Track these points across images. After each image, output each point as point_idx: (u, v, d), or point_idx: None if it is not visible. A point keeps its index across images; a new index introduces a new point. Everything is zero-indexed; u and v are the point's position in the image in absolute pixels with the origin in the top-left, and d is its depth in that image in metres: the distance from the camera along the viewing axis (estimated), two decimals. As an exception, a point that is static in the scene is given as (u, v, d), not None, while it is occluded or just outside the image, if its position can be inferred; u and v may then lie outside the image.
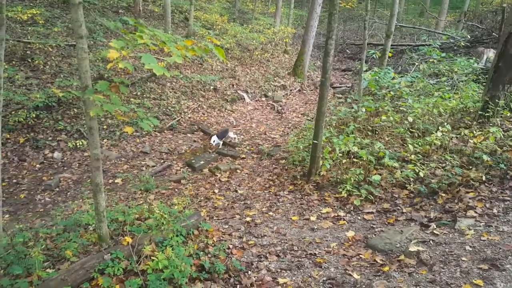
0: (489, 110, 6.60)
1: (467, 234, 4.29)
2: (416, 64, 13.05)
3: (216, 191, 7.35)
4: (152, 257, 3.83)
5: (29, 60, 11.04)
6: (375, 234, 4.73)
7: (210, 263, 4.07)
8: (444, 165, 5.85)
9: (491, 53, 12.61)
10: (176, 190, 7.55)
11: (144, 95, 11.65)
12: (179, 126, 11.20)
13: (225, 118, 12.29)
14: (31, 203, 7.35)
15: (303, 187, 6.64)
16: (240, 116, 12.72)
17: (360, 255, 4.31)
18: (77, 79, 10.36)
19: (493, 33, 15.57)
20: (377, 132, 7.53)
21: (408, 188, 5.68)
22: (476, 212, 4.74)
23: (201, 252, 4.35)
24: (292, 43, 20.66)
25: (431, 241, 4.29)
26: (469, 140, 6.17)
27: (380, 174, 6.00)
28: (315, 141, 6.50)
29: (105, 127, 10.07)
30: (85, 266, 3.64)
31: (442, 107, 7.44)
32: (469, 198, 5.05)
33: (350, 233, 4.85)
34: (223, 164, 8.72)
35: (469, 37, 16.85)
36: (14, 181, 8.03)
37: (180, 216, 4.96)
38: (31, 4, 13.96)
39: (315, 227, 5.21)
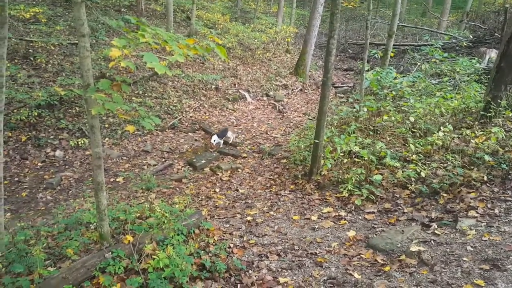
0: (491, 110, 6.59)
1: (469, 234, 4.28)
2: (418, 64, 13.02)
3: (217, 190, 7.36)
4: (153, 256, 3.83)
5: (31, 59, 11.06)
6: (376, 234, 4.73)
7: (211, 262, 4.08)
8: (445, 165, 5.84)
9: (493, 54, 12.58)
10: (177, 189, 7.56)
11: (146, 94, 11.66)
12: (181, 125, 11.21)
13: (227, 117, 12.29)
14: (32, 201, 7.36)
15: (304, 186, 6.64)
16: (242, 115, 12.72)
17: (361, 255, 4.30)
18: (79, 78, 10.37)
19: (496, 33, 15.53)
20: (378, 132, 7.52)
21: (409, 188, 5.67)
22: (477, 213, 4.73)
23: (202, 251, 4.35)
24: (294, 43, 20.65)
25: (432, 241, 4.28)
26: (471, 140, 6.16)
27: (382, 174, 6.00)
28: (317, 141, 6.50)
29: (106, 125, 10.08)
30: (86, 264, 3.64)
31: (444, 107, 7.43)
32: (471, 198, 5.04)
33: (351, 233, 4.84)
34: (224, 163, 8.72)
35: (471, 37, 16.81)
36: (16, 179, 8.05)
37: (181, 215, 4.96)
38: (34, 2, 13.98)
39: (316, 227, 5.21)
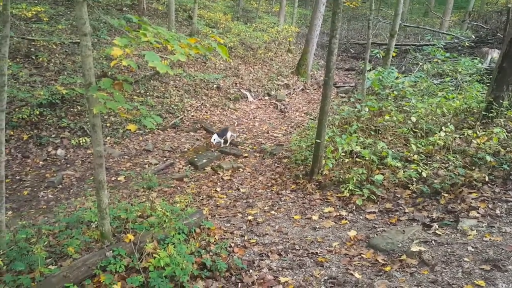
0: (493, 110, 6.58)
1: (470, 235, 4.28)
2: (420, 64, 12.99)
3: (218, 189, 7.36)
4: (154, 255, 3.84)
5: (33, 57, 11.07)
6: (377, 234, 4.73)
7: (211, 261, 4.08)
8: (447, 165, 5.84)
9: (495, 54, 12.55)
10: (179, 188, 7.56)
11: (148, 93, 11.67)
12: (182, 124, 11.22)
13: (228, 117, 12.29)
14: (34, 199, 7.38)
15: (306, 186, 6.64)
16: (243, 115, 12.72)
17: (362, 255, 4.30)
18: (80, 77, 10.39)
19: (498, 34, 15.50)
20: (380, 132, 7.51)
21: (410, 188, 5.67)
22: (478, 213, 4.73)
23: (203, 250, 4.36)
24: (296, 42, 20.64)
25: (433, 241, 4.28)
26: (473, 140, 6.15)
27: (383, 174, 5.99)
28: (318, 140, 6.50)
29: (108, 124, 10.09)
30: (87, 263, 3.65)
31: (446, 107, 7.42)
32: (472, 199, 5.04)
33: (352, 233, 4.84)
34: (226, 162, 8.72)
35: (473, 37, 16.78)
36: (18, 177, 8.07)
37: (182, 214, 4.97)
38: (36, 1, 13.99)
39: (317, 226, 5.21)
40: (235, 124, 11.65)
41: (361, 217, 5.34)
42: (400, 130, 7.14)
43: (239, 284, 3.90)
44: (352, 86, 15.05)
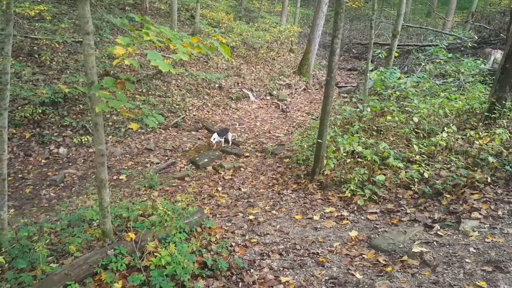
0: (495, 111, 6.56)
1: (471, 236, 4.27)
2: (423, 64, 12.98)
3: (220, 189, 7.36)
4: (155, 253, 3.84)
5: (36, 56, 11.10)
6: (378, 234, 4.72)
7: (212, 261, 4.08)
8: (449, 166, 5.83)
9: (498, 54, 12.53)
10: (180, 187, 7.57)
11: (150, 92, 11.68)
12: (184, 123, 11.22)
13: (230, 116, 12.30)
14: (36, 198, 7.39)
15: (307, 186, 6.63)
16: (245, 114, 12.72)
17: (363, 255, 4.30)
18: (83, 75, 10.40)
19: (501, 34, 15.46)
20: (382, 132, 7.50)
21: (412, 188, 5.66)
22: (480, 214, 4.72)
23: (204, 249, 4.36)
24: (298, 42, 20.63)
25: (434, 242, 4.27)
26: (475, 141, 6.14)
27: (385, 174, 5.99)
28: (320, 140, 6.49)
29: (110, 123, 10.10)
30: (89, 261, 3.65)
31: (448, 108, 7.40)
32: (474, 200, 5.03)
33: (353, 233, 4.84)
34: (227, 162, 8.72)
35: (476, 38, 16.74)
36: (20, 176, 8.08)
37: (183, 213, 4.97)
38: (39, 0, 14.02)
39: (318, 226, 5.21)
40: (237, 125, 11.64)
41: (363, 218, 5.34)
42: (402, 131, 7.14)
43: (240, 284, 3.90)
44: (354, 86, 15.04)
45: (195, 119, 11.55)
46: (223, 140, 9.94)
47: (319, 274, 3.99)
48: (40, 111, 9.42)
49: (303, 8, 27.99)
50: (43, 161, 8.70)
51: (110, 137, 9.75)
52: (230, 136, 10.05)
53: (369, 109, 8.03)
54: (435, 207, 5.18)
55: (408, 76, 10.62)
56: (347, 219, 5.33)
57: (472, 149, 6.06)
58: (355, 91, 13.80)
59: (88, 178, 8.07)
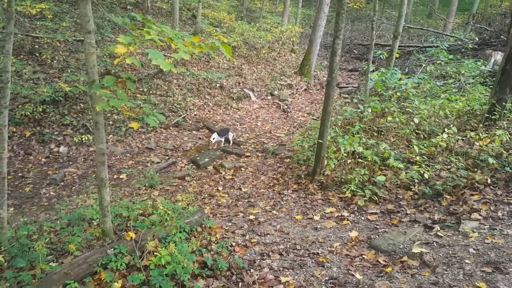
0: (495, 113, 6.57)
1: (471, 237, 4.27)
2: (423, 65, 12.98)
3: (220, 188, 7.36)
4: (155, 253, 3.84)
5: (37, 55, 11.10)
6: (378, 235, 4.72)
7: (212, 260, 4.08)
8: (449, 167, 5.83)
9: (499, 56, 12.52)
10: (180, 186, 7.57)
11: (151, 92, 11.68)
12: (185, 123, 11.22)
13: (231, 116, 12.30)
14: (36, 196, 7.40)
15: (307, 186, 6.64)
16: (246, 114, 12.72)
17: (363, 256, 4.30)
18: (84, 74, 10.41)
19: (502, 36, 15.47)
20: (382, 133, 7.50)
21: (412, 189, 5.66)
22: (480, 215, 4.72)
23: (204, 249, 4.36)
24: (299, 42, 20.62)
25: (434, 243, 4.27)
26: (475, 142, 6.14)
27: (385, 175, 5.99)
28: (320, 141, 6.50)
29: (111, 122, 10.11)
30: (88, 260, 3.65)
31: (449, 109, 7.41)
32: (474, 201, 5.03)
33: (354, 233, 4.84)
34: (228, 162, 8.72)
35: (477, 39, 16.75)
36: (20, 174, 8.09)
37: (183, 212, 4.97)
38: (40, -2, 14.04)
39: (319, 227, 5.21)
40: (238, 125, 11.64)
41: (363, 218, 5.34)
42: (403, 132, 7.14)
43: (240, 284, 3.90)
44: (355, 87, 15.03)
45: (196, 118, 11.55)
46: (222, 140, 9.93)
47: (319, 274, 4.00)
48: (40, 109, 9.42)
49: (305, 8, 27.98)
50: (43, 159, 8.70)
51: (110, 136, 9.75)
52: (231, 136, 10.05)
53: (370, 110, 8.03)
54: (435, 208, 5.18)
55: (409, 77, 10.63)
56: (348, 220, 5.34)
57: (472, 150, 6.06)
58: (356, 91, 13.80)
59: (89, 177, 8.07)
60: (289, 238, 4.91)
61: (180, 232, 4.37)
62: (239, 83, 14.29)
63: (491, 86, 8.05)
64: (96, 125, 3.80)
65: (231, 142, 10.05)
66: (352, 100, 10.26)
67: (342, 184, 6.23)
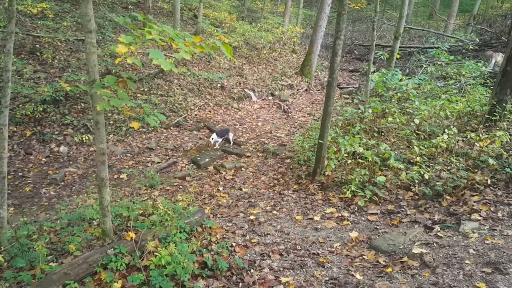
0: (496, 114, 6.57)
1: (471, 237, 4.27)
2: (424, 66, 12.98)
3: (221, 188, 7.36)
4: (155, 253, 3.84)
5: (38, 54, 11.11)
6: (378, 235, 4.72)
7: (212, 261, 4.08)
8: (449, 167, 5.83)
9: (499, 57, 12.52)
10: (181, 187, 7.57)
11: (151, 91, 11.68)
12: (185, 123, 11.22)
13: (232, 116, 12.30)
14: (36, 196, 7.40)
15: (308, 186, 6.63)
16: (247, 114, 12.71)
17: (363, 256, 4.30)
18: (85, 74, 10.41)
19: (502, 37, 15.46)
20: (383, 134, 7.50)
21: (413, 190, 5.66)
22: (480, 216, 4.72)
23: (204, 249, 4.36)
24: (300, 43, 20.61)
25: (434, 244, 4.27)
26: (475, 143, 6.14)
27: (385, 176, 5.98)
28: (321, 141, 6.50)
29: (111, 122, 10.11)
30: (88, 260, 3.66)
31: (449, 110, 7.40)
32: (474, 202, 5.03)
33: (354, 234, 4.84)
34: (228, 162, 8.73)
35: (477, 40, 16.74)
36: (20, 174, 8.09)
37: (184, 212, 4.97)
38: (41, -2, 14.05)
39: (319, 227, 5.21)
40: (239, 125, 11.63)
41: (363, 218, 5.34)
42: (403, 132, 7.14)
43: (240, 284, 3.90)
44: (355, 88, 15.02)
45: (196, 118, 11.55)
46: (222, 140, 9.93)
47: (319, 274, 4.00)
48: (41, 109, 9.43)
49: (306, 9, 27.97)
50: (43, 159, 8.70)
51: (111, 136, 9.75)
52: (231, 136, 10.05)
53: (370, 111, 8.02)
54: (435, 209, 5.18)
55: (409, 78, 10.63)
56: (348, 220, 5.34)
57: (473, 151, 6.06)
58: (356, 92, 13.80)
59: (89, 177, 8.08)
60: (290, 239, 4.91)
61: (180, 232, 4.38)
62: (240, 83, 14.29)
63: (492, 87, 8.05)
64: (96, 124, 3.80)
65: (232, 142, 10.05)
66: (352, 100, 10.27)
67: (342, 184, 6.23)
